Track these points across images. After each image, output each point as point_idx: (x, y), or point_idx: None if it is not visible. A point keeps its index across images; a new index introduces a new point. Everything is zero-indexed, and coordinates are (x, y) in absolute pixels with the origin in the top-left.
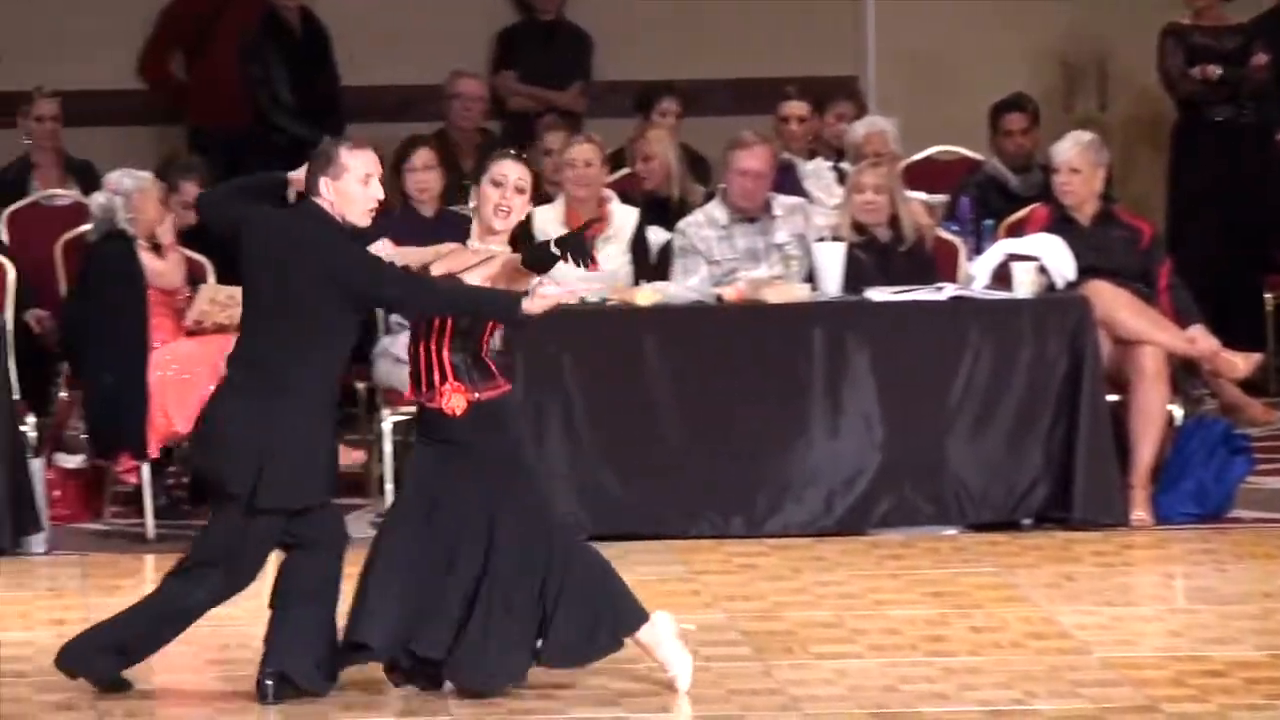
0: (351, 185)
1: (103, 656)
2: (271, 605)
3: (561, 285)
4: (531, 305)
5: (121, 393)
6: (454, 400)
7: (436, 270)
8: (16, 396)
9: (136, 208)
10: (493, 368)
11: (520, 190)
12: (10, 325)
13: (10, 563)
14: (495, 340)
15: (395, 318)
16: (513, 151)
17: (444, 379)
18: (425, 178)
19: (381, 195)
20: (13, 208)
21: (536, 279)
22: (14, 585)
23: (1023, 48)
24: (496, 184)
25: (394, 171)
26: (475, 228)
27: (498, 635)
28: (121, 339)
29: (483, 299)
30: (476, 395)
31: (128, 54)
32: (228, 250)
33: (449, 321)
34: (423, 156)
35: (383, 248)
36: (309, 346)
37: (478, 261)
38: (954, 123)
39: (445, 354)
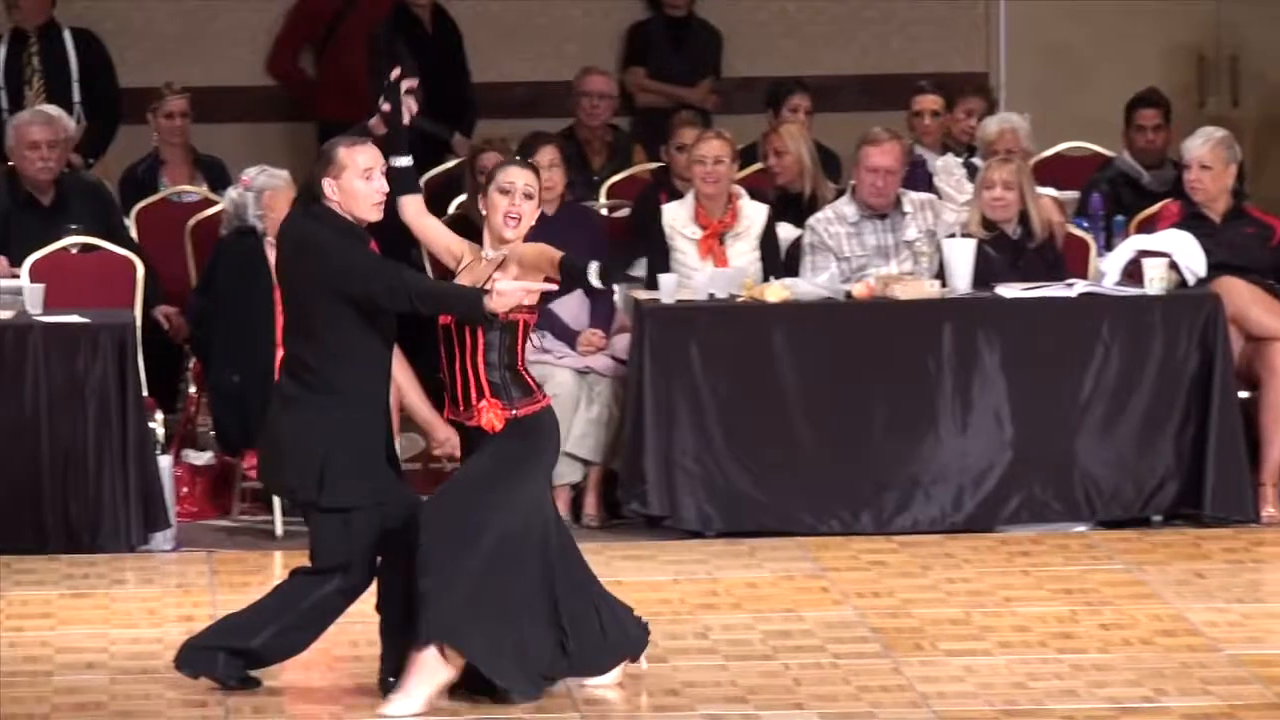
0: (353, 182)
1: (225, 658)
2: (377, 609)
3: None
4: (493, 303)
5: (248, 389)
6: (490, 417)
7: (461, 282)
8: (145, 392)
9: (267, 205)
10: (531, 382)
11: (528, 196)
12: (139, 321)
13: (138, 559)
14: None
15: None
16: (518, 157)
17: (481, 396)
18: (551, 176)
19: (386, 188)
20: (142, 204)
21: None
22: (142, 582)
23: (1155, 43)
24: (504, 191)
25: None
26: (487, 236)
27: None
28: (249, 335)
29: (451, 296)
30: (515, 412)
31: (256, 51)
32: None
33: (480, 338)
34: (548, 154)
35: (412, 203)
36: (341, 346)
37: (492, 271)
38: (1085, 118)
39: (482, 370)
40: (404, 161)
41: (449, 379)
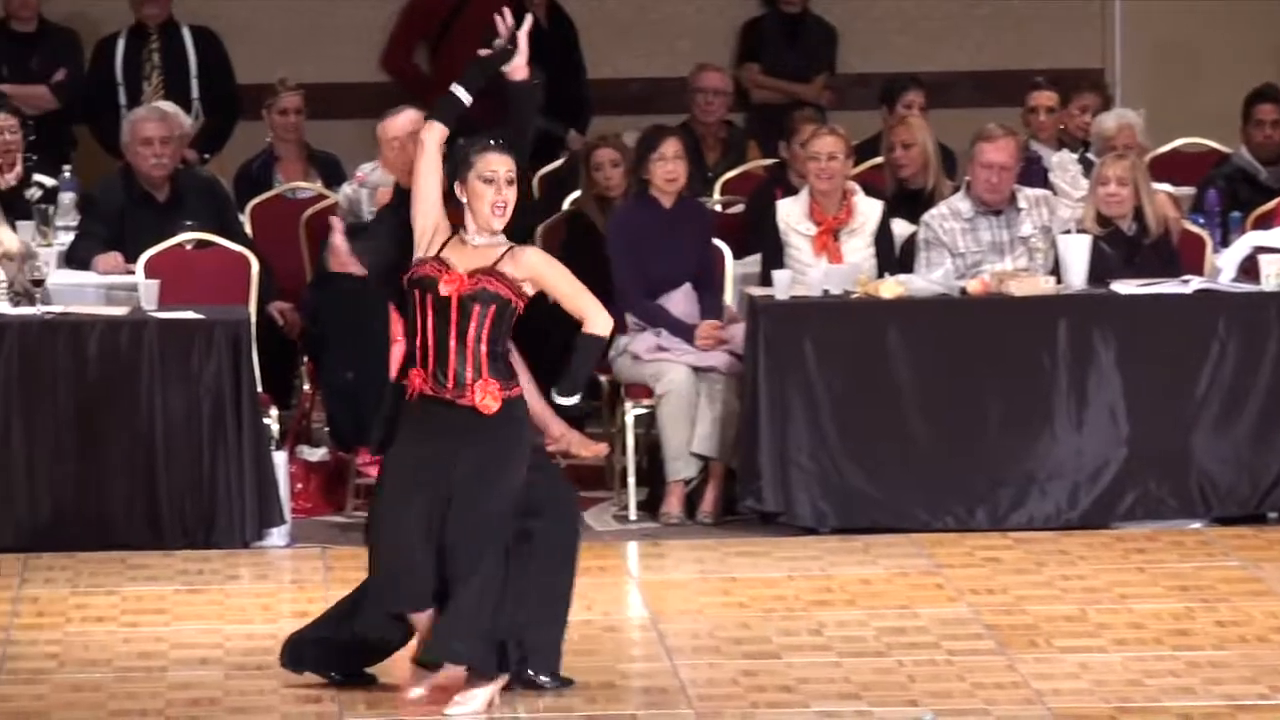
0: (386, 154)
1: (325, 651)
2: None
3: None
4: (329, 258)
5: (362, 386)
6: (488, 399)
7: (445, 256)
8: (259, 389)
9: (379, 202)
10: (512, 366)
11: (510, 182)
12: (254, 317)
13: (253, 555)
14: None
15: (631, 318)
16: (493, 141)
17: (478, 375)
18: (675, 167)
19: (412, 153)
20: (257, 200)
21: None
22: (257, 578)
23: (1270, 39)
24: (488, 180)
25: (639, 159)
26: (470, 221)
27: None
28: (362, 332)
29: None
30: (508, 393)
31: (371, 47)
32: None
33: (489, 315)
34: (672, 146)
35: (436, 132)
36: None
37: (500, 256)
38: (1201, 114)
39: (484, 347)
40: (462, 94)
41: (436, 352)
